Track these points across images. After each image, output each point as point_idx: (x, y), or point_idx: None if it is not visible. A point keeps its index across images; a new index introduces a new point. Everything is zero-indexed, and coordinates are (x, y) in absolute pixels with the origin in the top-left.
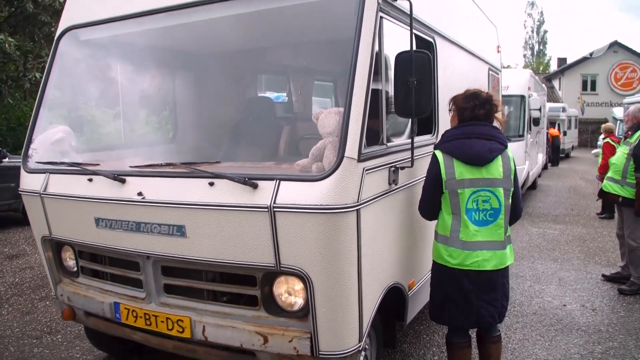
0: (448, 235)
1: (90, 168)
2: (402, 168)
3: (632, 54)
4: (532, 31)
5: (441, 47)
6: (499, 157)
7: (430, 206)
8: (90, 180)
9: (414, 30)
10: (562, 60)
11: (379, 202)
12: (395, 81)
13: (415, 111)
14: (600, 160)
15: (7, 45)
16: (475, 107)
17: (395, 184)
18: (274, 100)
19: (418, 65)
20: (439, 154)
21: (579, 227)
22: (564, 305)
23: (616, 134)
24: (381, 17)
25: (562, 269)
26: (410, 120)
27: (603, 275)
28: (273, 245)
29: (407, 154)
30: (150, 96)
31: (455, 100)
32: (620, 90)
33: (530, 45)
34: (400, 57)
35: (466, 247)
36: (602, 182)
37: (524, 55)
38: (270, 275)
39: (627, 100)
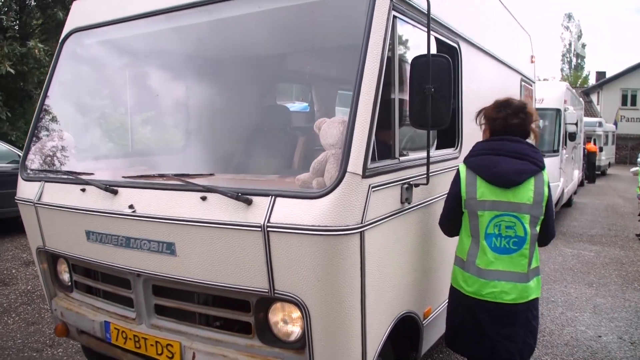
0: (465, 260)
1: (83, 177)
2: (417, 185)
3: None
4: (570, 44)
5: (466, 53)
6: (531, 179)
7: (448, 222)
8: (83, 190)
9: (435, 34)
10: (600, 74)
11: (389, 223)
12: (411, 88)
13: (432, 122)
14: None
15: (37, 51)
16: (507, 117)
17: (409, 203)
18: (300, 110)
19: (436, 71)
20: (462, 169)
21: (616, 249)
22: (599, 337)
23: None
24: (394, 17)
25: (598, 294)
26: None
27: None
28: (267, 269)
29: (424, 169)
30: (159, 102)
31: (484, 112)
32: None
33: (568, 59)
34: (417, 62)
35: (481, 274)
36: None
37: (562, 69)
38: (265, 301)
39: None
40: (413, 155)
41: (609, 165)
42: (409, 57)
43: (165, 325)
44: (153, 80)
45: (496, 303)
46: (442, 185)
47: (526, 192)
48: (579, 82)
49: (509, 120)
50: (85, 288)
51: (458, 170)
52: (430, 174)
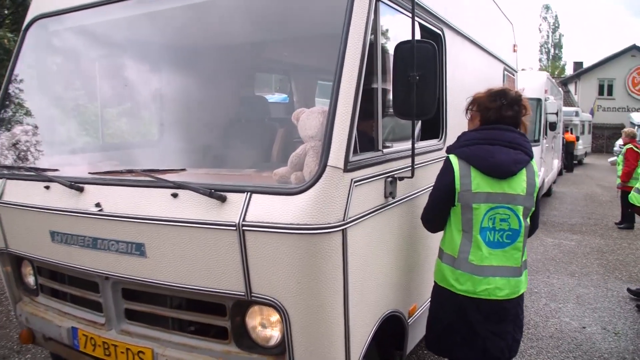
0: (456, 257)
1: (47, 174)
2: (401, 178)
3: None
4: (548, 35)
5: (451, 40)
6: (524, 170)
7: (435, 218)
8: (47, 188)
9: (419, 20)
10: (578, 64)
11: (372, 219)
12: (395, 76)
13: (417, 112)
14: (622, 167)
15: (6, 41)
16: (502, 107)
17: (393, 197)
18: (279, 101)
19: (421, 58)
20: (454, 159)
21: (596, 238)
22: (584, 328)
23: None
24: (377, 1)
25: (580, 284)
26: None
27: (628, 290)
28: (243, 271)
29: (408, 162)
30: (129, 93)
31: (477, 100)
32: (637, 95)
33: (546, 49)
34: (401, 49)
35: (476, 271)
36: (625, 190)
37: (540, 59)
38: (242, 304)
39: None
40: (397, 147)
41: (585, 154)
42: (392, 43)
43: (137, 331)
44: (123, 70)
45: (488, 300)
46: (426, 178)
47: (519, 183)
48: (556, 72)
49: (503, 111)
50: (51, 292)
51: (448, 161)
52: (414, 166)
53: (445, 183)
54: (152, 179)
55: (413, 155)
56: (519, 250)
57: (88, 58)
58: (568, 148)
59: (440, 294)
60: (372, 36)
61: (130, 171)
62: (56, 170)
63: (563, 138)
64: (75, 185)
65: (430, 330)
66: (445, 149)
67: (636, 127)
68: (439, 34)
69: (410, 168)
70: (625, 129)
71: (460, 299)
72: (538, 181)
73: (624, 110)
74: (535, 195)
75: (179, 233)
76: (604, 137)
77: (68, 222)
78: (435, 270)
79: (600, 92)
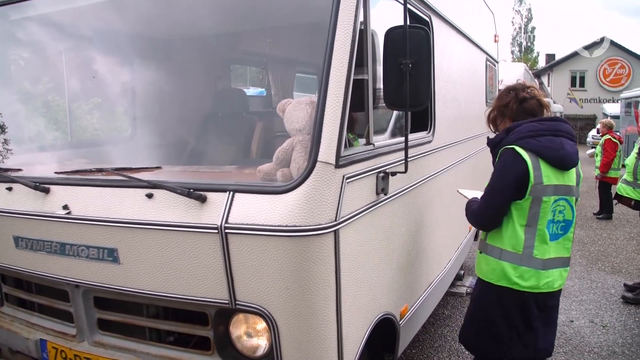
0: (520, 253)
1: (9, 174)
2: (394, 174)
3: (621, 50)
4: (520, 28)
5: (438, 28)
6: None
7: (497, 215)
8: (9, 189)
9: (408, 5)
10: (550, 56)
11: (364, 217)
12: (385, 64)
13: (411, 102)
14: (600, 158)
15: None
16: (517, 96)
17: (385, 194)
18: (256, 94)
19: (414, 44)
20: (522, 151)
21: (577, 229)
22: (571, 322)
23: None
24: None
25: None
26: (400, 113)
27: (625, 285)
28: (226, 277)
29: (396, 156)
30: (99, 86)
31: (492, 111)
32: (608, 87)
33: (519, 42)
34: (392, 35)
35: (541, 266)
36: (603, 181)
37: (512, 52)
38: (225, 312)
39: (624, 95)
40: (388, 141)
41: None
42: (382, 29)
43: (111, 342)
44: (92, 62)
45: (545, 294)
46: (416, 173)
47: (573, 175)
48: (528, 64)
49: (520, 95)
50: (17, 301)
51: (514, 153)
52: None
53: (515, 176)
54: (125, 178)
55: (406, 149)
56: (570, 241)
57: (53, 49)
58: None
59: (497, 294)
60: (362, 22)
61: (100, 170)
62: (19, 170)
63: None
64: (40, 186)
65: (478, 333)
66: (434, 141)
67: (609, 117)
68: (427, 21)
69: (402, 162)
70: (602, 120)
71: (524, 296)
72: (581, 172)
73: (596, 102)
74: (580, 185)
75: (155, 237)
76: (577, 128)
77: (33, 226)
78: (488, 269)
79: (573, 84)
